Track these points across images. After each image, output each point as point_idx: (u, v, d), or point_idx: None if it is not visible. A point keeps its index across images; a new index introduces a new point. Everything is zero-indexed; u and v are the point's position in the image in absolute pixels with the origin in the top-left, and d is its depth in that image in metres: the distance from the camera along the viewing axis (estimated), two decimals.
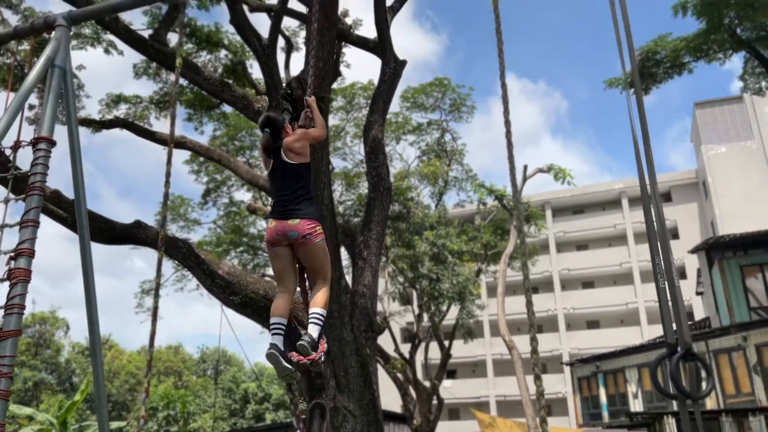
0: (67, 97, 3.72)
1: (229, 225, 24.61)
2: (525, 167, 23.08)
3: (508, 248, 22.65)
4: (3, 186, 5.14)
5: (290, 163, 4.00)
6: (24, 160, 3.52)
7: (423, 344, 25.33)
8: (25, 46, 11.40)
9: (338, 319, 8.07)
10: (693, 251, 22.51)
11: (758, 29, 15.32)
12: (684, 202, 44.13)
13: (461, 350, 35.89)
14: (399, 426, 24.89)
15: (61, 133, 3.42)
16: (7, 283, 3.09)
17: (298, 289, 4.19)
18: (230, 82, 12.25)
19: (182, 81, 11.60)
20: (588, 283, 46.80)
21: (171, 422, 38.29)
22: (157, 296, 4.02)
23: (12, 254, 3.14)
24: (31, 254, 3.14)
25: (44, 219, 3.28)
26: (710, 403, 17.96)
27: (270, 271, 24.32)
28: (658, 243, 3.43)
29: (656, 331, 36.15)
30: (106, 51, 13.97)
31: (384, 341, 22.10)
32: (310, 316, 3.91)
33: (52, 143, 3.41)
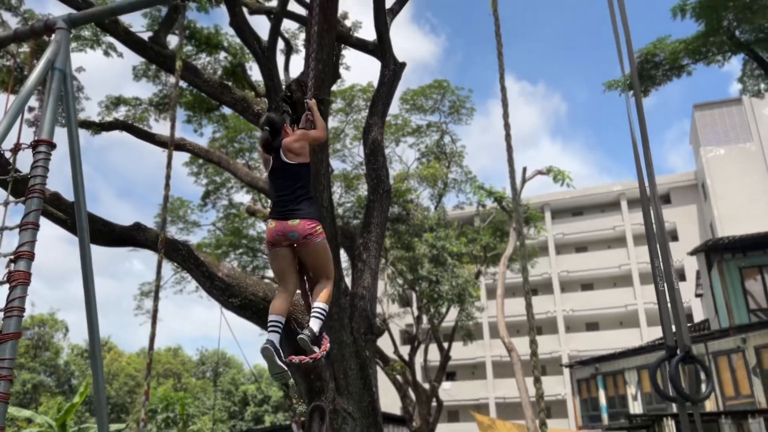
0: (67, 99, 3.73)
1: (229, 227, 24.61)
2: (524, 169, 23.11)
3: (508, 250, 22.66)
4: (3, 188, 5.14)
5: (290, 164, 4.02)
6: (24, 162, 3.52)
7: (422, 346, 25.32)
8: (25, 48, 11.41)
9: (338, 321, 8.06)
10: (692, 253, 22.53)
11: (757, 31, 15.35)
12: (683, 204, 44.16)
13: (460, 352, 35.88)
14: (398, 428, 24.87)
15: (60, 136, 3.43)
16: (6, 286, 3.09)
17: (298, 291, 4.20)
18: (230, 84, 12.26)
19: (182, 83, 11.61)
20: (587, 285, 46.81)
21: (170, 424, 38.26)
22: (156, 298, 4.02)
23: (12, 257, 3.14)
24: (30, 257, 3.14)
25: (43, 221, 3.28)
26: (710, 405, 17.96)
27: (270, 273, 24.32)
28: (657, 245, 3.44)
29: (656, 332, 36.14)
30: (106, 53, 13.99)
31: (383, 343, 22.10)
32: (312, 310, 3.95)
33: (52, 146, 3.42)
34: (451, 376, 44.59)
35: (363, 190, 21.32)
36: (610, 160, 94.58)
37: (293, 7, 11.96)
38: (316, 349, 3.82)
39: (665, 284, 3.34)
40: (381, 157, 9.40)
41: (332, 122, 21.72)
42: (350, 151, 23.33)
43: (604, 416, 22.78)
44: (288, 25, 15.13)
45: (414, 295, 24.33)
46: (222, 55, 14.69)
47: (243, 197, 23.98)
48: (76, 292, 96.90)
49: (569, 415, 36.92)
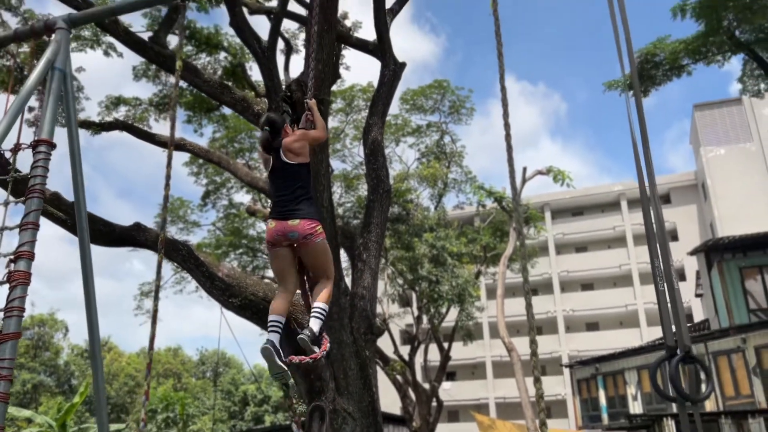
0: (67, 99, 3.73)
1: (229, 227, 24.61)
2: (524, 169, 23.11)
3: (508, 250, 22.66)
4: (3, 188, 5.14)
5: (289, 163, 4.02)
6: (24, 162, 3.52)
7: (422, 346, 25.32)
8: (25, 48, 11.41)
9: (338, 321, 8.06)
10: (692, 253, 22.53)
11: (757, 31, 15.35)
12: (683, 204, 44.17)
13: (460, 352, 35.88)
14: (398, 428, 24.86)
15: (60, 136, 3.43)
16: (6, 286, 3.09)
17: (299, 291, 4.20)
18: (230, 84, 12.26)
19: (182, 83, 11.61)
20: (587, 285, 46.82)
21: (170, 424, 38.26)
22: (156, 299, 4.02)
23: (12, 257, 3.14)
24: (30, 257, 3.14)
25: (43, 221, 3.29)
26: (710, 405, 17.96)
27: (270, 273, 24.32)
28: (658, 245, 3.44)
29: (655, 332, 36.14)
30: (106, 53, 13.99)
31: (383, 343, 22.11)
32: (312, 310, 3.96)
33: (52, 146, 3.42)
34: (451, 376, 44.60)
35: (363, 190, 21.32)
36: (610, 160, 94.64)
37: (293, 7, 11.97)
38: (316, 349, 3.82)
39: (665, 284, 3.34)
40: (381, 157, 9.40)
41: (332, 122, 21.73)
42: (350, 151, 23.35)
43: (604, 416, 22.78)
44: (288, 25, 15.14)
45: (414, 295, 24.33)
46: (222, 55, 14.70)
47: (243, 197, 24.01)
48: (76, 292, 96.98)
49: (569, 415, 36.93)
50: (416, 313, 24.23)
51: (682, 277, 37.35)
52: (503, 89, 3.96)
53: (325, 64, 7.86)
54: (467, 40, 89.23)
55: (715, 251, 20.78)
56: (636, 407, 21.47)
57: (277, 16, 10.89)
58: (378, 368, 17.97)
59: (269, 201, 15.28)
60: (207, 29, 14.28)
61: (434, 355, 27.33)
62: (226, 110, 16.04)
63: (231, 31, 12.15)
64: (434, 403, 22.88)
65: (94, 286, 3.91)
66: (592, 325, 45.61)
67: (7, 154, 3.57)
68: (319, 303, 3.96)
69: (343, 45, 11.72)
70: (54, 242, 75.56)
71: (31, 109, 10.26)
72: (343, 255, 14.07)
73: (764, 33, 15.26)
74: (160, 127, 30.53)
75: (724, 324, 19.79)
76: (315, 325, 3.86)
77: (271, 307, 3.90)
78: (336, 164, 22.88)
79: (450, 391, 40.50)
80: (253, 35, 10.07)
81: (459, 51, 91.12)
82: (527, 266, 4.17)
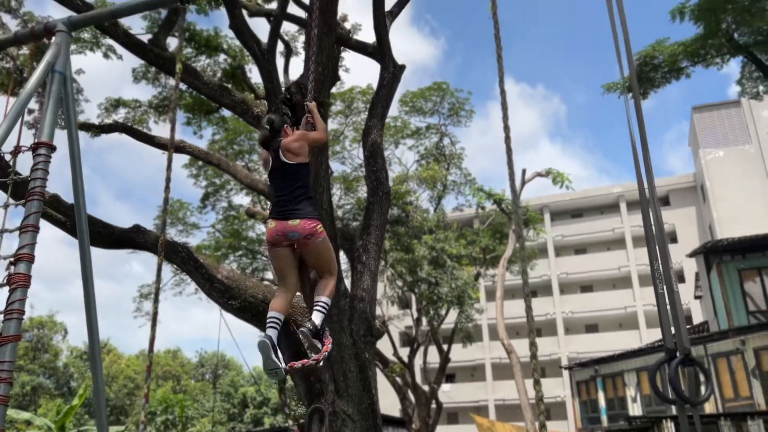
0: (67, 102, 3.73)
1: (228, 229, 24.61)
2: (523, 171, 23.13)
3: (507, 252, 22.67)
4: (3, 191, 5.14)
5: (288, 163, 4.05)
6: (24, 164, 3.53)
7: (422, 348, 25.31)
8: (25, 50, 11.41)
9: (337, 323, 8.06)
10: (691, 255, 22.53)
11: (755, 34, 15.38)
12: (682, 206, 44.19)
13: (460, 354, 35.90)
14: (398, 430, 24.82)
15: (59, 138, 3.43)
16: (6, 288, 3.09)
17: (298, 293, 4.21)
18: (229, 86, 12.26)
19: (181, 85, 11.61)
20: (587, 287, 46.83)
21: (169, 426, 38.22)
22: (156, 301, 4.02)
23: (11, 259, 3.14)
24: (30, 259, 3.14)
25: (42, 223, 3.29)
26: (709, 407, 17.95)
27: (269, 275, 24.33)
28: (657, 247, 3.44)
29: (655, 334, 36.14)
30: (105, 55, 14.01)
31: (383, 345, 22.11)
32: (315, 304, 4.00)
33: (52, 148, 3.42)
34: (450, 378, 44.58)
35: (362, 192, 21.34)
36: (609, 162, 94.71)
37: (293, 9, 11.99)
38: (317, 344, 3.84)
39: (664, 287, 3.35)
40: (380, 159, 9.40)
41: (332, 124, 21.74)
42: (350, 153, 23.37)
43: (604, 418, 22.76)
44: (287, 28, 15.16)
45: (413, 297, 24.33)
46: (221, 57, 14.71)
47: (242, 199, 24.01)
48: (75, 294, 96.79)
49: (569, 417, 36.91)
50: (415, 315, 24.23)
51: (681, 278, 37.37)
52: (503, 92, 3.97)
53: (325, 66, 7.87)
54: (466, 42, 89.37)
55: (714, 253, 20.79)
56: (635, 409, 21.46)
57: (276, 18, 10.91)
58: (377, 370, 17.97)
59: (269, 203, 15.28)
60: (206, 31, 14.31)
61: (433, 357, 27.32)
62: (226, 112, 16.06)
63: (230, 34, 12.16)
64: (433, 405, 22.87)
65: (93, 288, 3.91)
66: (592, 327, 45.60)
67: (7, 157, 3.57)
68: (322, 297, 4.02)
69: (342, 47, 11.73)
70: (53, 244, 75.54)
71: (30, 111, 10.26)
72: (343, 257, 14.07)
73: (763, 35, 15.29)
74: (159, 129, 30.48)
75: (724, 326, 19.79)
76: (317, 318, 3.92)
77: (271, 305, 3.94)
78: (335, 166, 22.92)
79: (449, 393, 40.47)
80: (252, 38, 10.08)
81: (458, 53, 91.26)
82: (527, 269, 4.17)
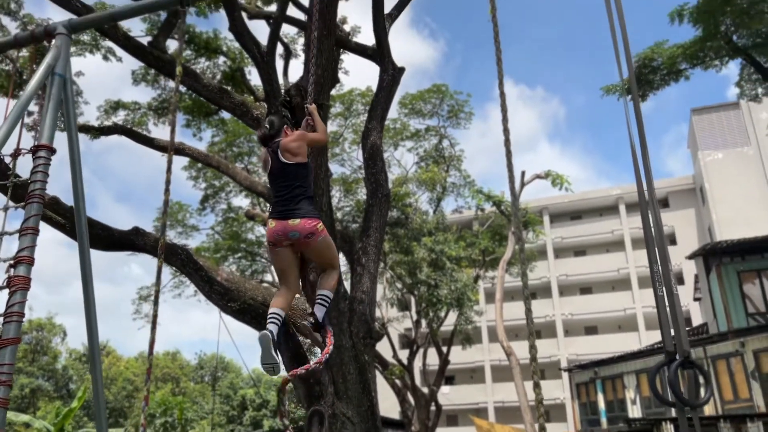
0: (67, 105, 3.73)
1: (228, 231, 24.60)
2: (523, 173, 23.13)
3: (506, 254, 22.66)
4: (2, 193, 5.14)
5: (287, 163, 4.08)
6: (23, 167, 3.53)
7: (421, 350, 25.29)
8: (24, 52, 11.41)
9: (337, 326, 8.05)
10: (690, 257, 22.54)
11: (754, 36, 15.41)
12: (681, 208, 44.22)
13: (459, 356, 35.85)
14: None
15: (59, 140, 3.43)
16: (6, 291, 3.09)
17: (298, 295, 4.23)
18: (229, 88, 12.26)
19: (181, 87, 11.61)
20: (586, 289, 46.82)
21: (169, 429, 38.16)
22: (156, 304, 4.02)
23: (11, 262, 3.14)
24: (30, 262, 3.14)
25: (42, 225, 3.28)
26: (708, 410, 17.95)
27: (268, 277, 24.33)
28: (656, 250, 3.44)
29: (654, 336, 36.15)
30: (105, 58, 14.01)
31: (382, 347, 22.07)
32: (317, 297, 4.06)
33: (52, 151, 3.42)
34: (449, 380, 44.54)
35: (362, 194, 21.34)
36: (608, 164, 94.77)
37: (292, 12, 12.00)
38: (319, 337, 3.88)
39: (664, 289, 3.35)
40: (380, 161, 9.40)
41: (331, 126, 21.75)
42: (349, 155, 23.38)
43: (603, 420, 22.76)
44: (287, 30, 15.17)
45: (413, 299, 24.33)
46: (221, 59, 14.72)
47: (242, 201, 24.01)
48: (74, 296, 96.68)
49: (568, 419, 36.89)
50: (415, 317, 24.22)
51: (681, 280, 37.35)
52: (502, 95, 3.97)
53: (325, 69, 7.87)
54: (466, 44, 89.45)
55: (714, 255, 20.80)
56: (635, 411, 21.45)
57: (276, 21, 10.91)
58: (377, 372, 17.95)
59: (268, 205, 15.29)
60: (206, 34, 14.32)
61: (433, 359, 27.30)
62: (225, 114, 16.07)
63: (230, 36, 12.17)
64: (433, 408, 22.85)
65: (93, 290, 3.91)
66: (591, 329, 45.59)
67: (7, 159, 3.58)
68: (324, 290, 4.10)
69: (342, 50, 11.74)
70: (51, 246, 75.48)
71: (30, 113, 10.26)
72: (342, 259, 14.07)
73: (761, 38, 15.32)
74: (158, 131, 30.54)
75: (723, 328, 19.79)
76: (319, 311, 4.00)
77: (272, 302, 3.99)
78: (335, 168, 22.93)
79: (449, 396, 40.44)
80: (252, 40, 10.09)
81: (457, 55, 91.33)
82: (526, 270, 4.17)
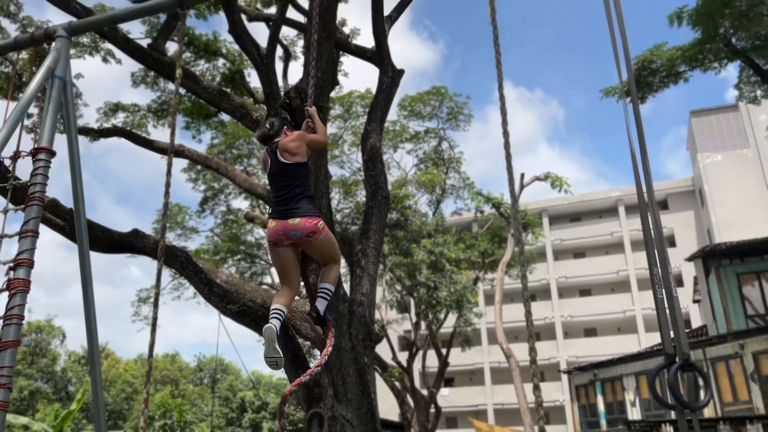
0: (66, 107, 3.73)
1: (227, 233, 24.59)
2: (522, 175, 23.14)
3: (506, 256, 22.66)
4: (2, 196, 5.14)
5: (286, 163, 4.10)
6: (23, 169, 3.53)
7: (420, 352, 25.28)
8: (24, 55, 11.42)
9: (336, 328, 8.05)
10: (690, 259, 22.55)
11: (753, 39, 15.44)
12: (680, 210, 44.24)
13: (459, 358, 35.82)
14: None
15: (59, 142, 3.43)
16: (6, 293, 3.09)
17: (297, 298, 4.24)
18: (228, 91, 12.26)
19: (180, 89, 11.61)
20: (585, 291, 46.82)
21: (168, 431, 38.10)
22: (156, 306, 4.02)
23: (11, 264, 3.13)
24: (30, 264, 3.14)
25: (41, 227, 3.28)
26: (708, 412, 17.94)
27: (268, 279, 24.32)
28: (656, 252, 3.44)
29: (654, 338, 36.15)
30: (104, 60, 14.00)
31: (381, 349, 22.06)
32: (319, 290, 4.13)
33: (52, 154, 3.42)
34: (449, 383, 44.49)
35: (361, 196, 21.35)
36: (607, 166, 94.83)
37: (292, 14, 12.01)
38: (320, 330, 3.90)
39: (663, 291, 3.35)
40: (379, 163, 9.40)
41: (330, 128, 21.75)
42: (348, 157, 23.39)
43: (603, 422, 22.75)
44: (286, 32, 15.18)
45: (412, 301, 24.32)
46: (221, 61, 14.72)
47: (241, 203, 24.01)
48: (73, 298, 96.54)
49: (568, 421, 36.87)
50: (414, 319, 24.20)
51: (680, 282, 37.37)
52: (502, 98, 3.98)
53: (324, 71, 7.87)
54: (465, 46, 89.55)
55: (713, 257, 20.81)
56: (634, 413, 21.44)
57: (275, 23, 10.92)
58: (376, 375, 17.93)
59: (267, 207, 15.27)
60: (206, 36, 14.32)
61: (432, 361, 27.28)
62: (225, 116, 16.07)
63: (230, 38, 12.16)
64: (432, 410, 22.83)
65: (93, 292, 3.90)
66: (590, 331, 45.58)
67: (7, 162, 3.57)
68: (326, 284, 4.15)
69: (341, 52, 11.75)
70: (51, 248, 75.43)
71: (29, 116, 10.25)
72: (342, 261, 14.06)
73: (760, 40, 15.34)
74: (158, 133, 30.51)
75: (722, 330, 19.80)
76: (321, 304, 4.05)
77: (274, 300, 4.02)
78: (334, 170, 22.93)
79: (448, 398, 40.41)
80: (251, 42, 10.09)
81: (457, 57, 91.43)
82: (526, 272, 4.17)
